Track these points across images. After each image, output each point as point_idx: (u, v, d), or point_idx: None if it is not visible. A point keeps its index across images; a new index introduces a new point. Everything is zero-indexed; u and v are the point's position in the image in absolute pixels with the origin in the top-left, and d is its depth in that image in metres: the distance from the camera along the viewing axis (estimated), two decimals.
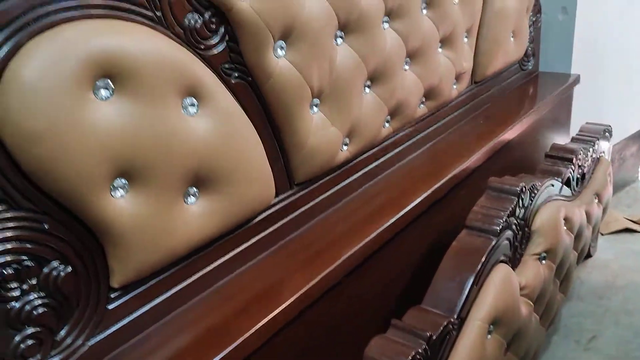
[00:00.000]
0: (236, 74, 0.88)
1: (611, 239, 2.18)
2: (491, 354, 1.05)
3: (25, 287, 0.67)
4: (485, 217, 1.13)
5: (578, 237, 1.49)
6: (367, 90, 1.12)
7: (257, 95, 0.92)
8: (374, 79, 1.12)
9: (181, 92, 0.77)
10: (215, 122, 0.81)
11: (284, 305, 0.87)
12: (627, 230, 2.21)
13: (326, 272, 0.95)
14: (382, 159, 1.24)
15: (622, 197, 2.49)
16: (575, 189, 1.57)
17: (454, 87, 1.42)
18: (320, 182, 1.09)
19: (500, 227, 1.10)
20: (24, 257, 0.66)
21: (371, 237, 1.03)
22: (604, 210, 1.82)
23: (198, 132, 0.79)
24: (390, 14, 1.13)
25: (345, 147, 1.10)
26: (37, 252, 0.67)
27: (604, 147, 1.84)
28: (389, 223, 1.07)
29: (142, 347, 0.79)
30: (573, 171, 1.52)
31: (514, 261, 1.22)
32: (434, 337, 0.92)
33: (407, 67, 1.22)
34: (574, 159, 1.51)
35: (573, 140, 1.75)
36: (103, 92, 0.68)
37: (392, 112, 1.20)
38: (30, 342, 0.68)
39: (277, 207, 1.01)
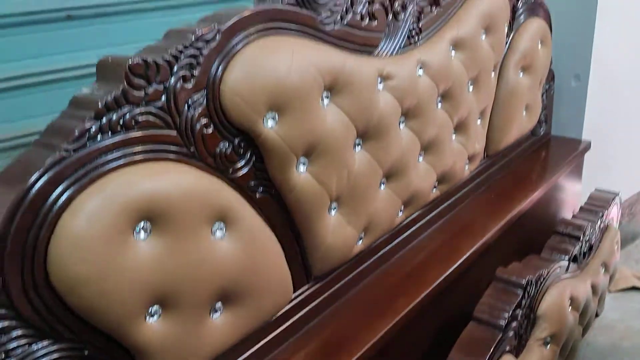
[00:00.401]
0: (261, 189, 0.95)
1: (618, 297, 2.22)
2: None
3: None
4: (492, 310, 1.18)
5: (583, 313, 1.54)
6: (382, 187, 1.18)
7: (280, 204, 0.99)
8: (389, 176, 1.18)
9: (211, 219, 0.84)
10: (241, 243, 0.88)
11: None
12: (635, 288, 2.25)
13: None
14: (394, 242, 1.30)
15: (632, 251, 2.52)
16: (582, 262, 1.62)
17: (466, 167, 1.48)
18: (336, 272, 1.16)
19: (507, 321, 1.16)
20: None
21: (385, 330, 1.09)
22: (612, 276, 1.86)
23: (225, 254, 0.86)
24: (407, 114, 1.19)
25: (360, 241, 1.16)
26: None
27: (613, 213, 1.89)
28: (400, 316, 1.13)
29: None
30: (581, 247, 1.57)
31: (519, 348, 1.27)
32: None
33: (421, 158, 1.28)
34: (582, 236, 1.55)
35: (581, 210, 1.79)
36: (142, 234, 0.75)
37: (406, 202, 1.26)
38: None
39: (295, 301, 1.08)
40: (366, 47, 1.10)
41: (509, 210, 1.54)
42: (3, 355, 0.67)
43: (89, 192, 0.70)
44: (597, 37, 1.89)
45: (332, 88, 0.99)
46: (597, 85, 1.98)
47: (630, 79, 2.13)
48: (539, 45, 1.69)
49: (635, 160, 2.35)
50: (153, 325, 0.79)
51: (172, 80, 0.79)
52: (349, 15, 1.05)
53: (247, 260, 0.89)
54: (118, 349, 0.78)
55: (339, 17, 1.03)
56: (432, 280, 1.23)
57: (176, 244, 0.78)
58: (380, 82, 1.10)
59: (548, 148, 1.95)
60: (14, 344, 0.68)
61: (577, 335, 1.53)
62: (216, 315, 0.88)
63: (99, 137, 0.72)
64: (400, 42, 1.18)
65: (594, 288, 1.65)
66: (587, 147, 1.96)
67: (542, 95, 1.87)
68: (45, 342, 0.71)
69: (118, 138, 0.74)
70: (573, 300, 1.44)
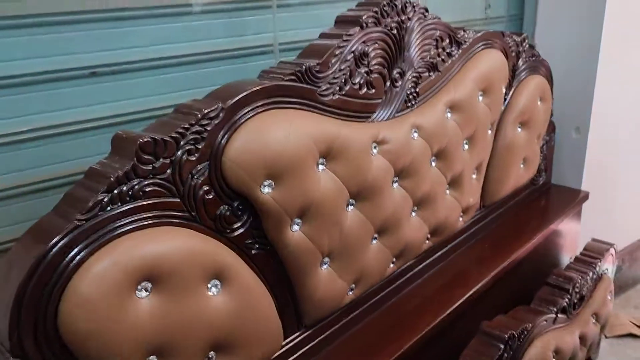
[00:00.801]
0: (257, 246, 1.04)
1: (614, 343, 2.26)
2: None
3: None
4: None
5: None
6: (374, 242, 1.26)
7: (274, 259, 1.08)
8: (381, 232, 1.26)
9: (207, 278, 0.93)
10: (234, 298, 0.97)
11: None
12: (631, 335, 2.28)
13: None
14: (386, 291, 1.38)
15: (632, 297, 2.56)
16: (572, 312, 1.68)
17: (460, 219, 1.55)
18: (327, 320, 1.24)
19: None
20: None
21: None
22: (604, 325, 1.90)
23: (219, 309, 0.94)
24: (400, 174, 1.27)
25: (351, 292, 1.24)
26: None
27: (608, 263, 1.94)
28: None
29: None
30: (570, 299, 1.63)
31: None
32: None
33: (414, 214, 1.36)
34: (571, 289, 1.61)
35: (576, 260, 1.85)
36: (143, 292, 0.84)
37: (397, 255, 1.34)
38: None
39: (286, 347, 1.16)
40: (363, 114, 1.19)
41: (503, 259, 1.60)
42: None
43: (98, 255, 0.80)
44: (597, 92, 1.97)
45: (327, 155, 1.08)
46: (597, 137, 2.04)
47: (629, 132, 2.19)
48: (538, 101, 1.76)
49: (635, 208, 2.40)
50: None
51: (178, 153, 0.88)
52: (347, 86, 1.14)
53: (240, 313, 0.98)
54: None
55: (337, 88, 1.12)
56: (422, 327, 1.31)
57: (174, 301, 0.87)
58: (374, 147, 1.18)
59: (547, 197, 2.01)
60: None
61: None
62: None
63: (109, 207, 0.81)
64: (397, 106, 1.27)
65: (582, 338, 1.70)
66: (585, 197, 2.01)
67: (542, 147, 1.94)
68: None
69: (127, 207, 0.83)
70: (558, 353, 1.50)
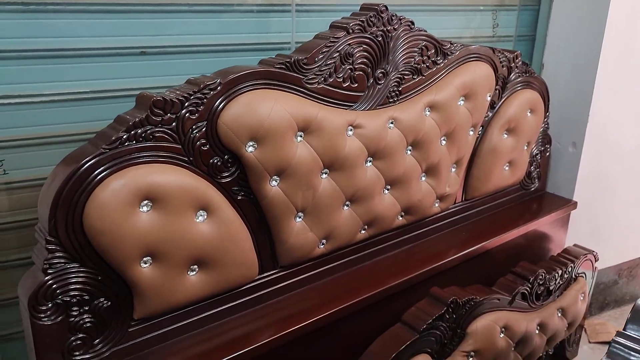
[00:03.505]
0: (242, 193, 1.35)
1: (596, 348, 2.42)
2: None
3: (81, 310, 1.16)
4: (416, 317, 1.51)
5: (521, 343, 1.80)
6: (346, 208, 1.54)
7: (256, 207, 1.38)
8: (353, 200, 1.54)
9: (196, 207, 1.24)
10: (216, 227, 1.28)
11: (252, 347, 1.32)
12: None
13: (289, 330, 1.39)
14: (356, 255, 1.65)
15: (627, 311, 2.68)
16: (535, 303, 1.88)
17: (436, 204, 1.80)
18: (300, 266, 1.52)
19: (424, 326, 1.48)
20: (84, 294, 1.15)
21: (334, 310, 1.46)
22: (571, 324, 2.08)
23: (202, 233, 1.26)
24: (374, 156, 1.54)
25: (322, 245, 1.52)
26: (92, 292, 1.17)
27: (585, 268, 2.11)
28: (348, 304, 1.48)
29: (145, 358, 1.26)
30: (530, 288, 1.83)
31: (442, 353, 1.57)
32: None
33: (386, 191, 1.62)
34: (532, 279, 1.82)
35: (550, 258, 2.05)
36: (144, 208, 1.16)
37: (368, 223, 1.61)
38: (78, 342, 1.17)
39: (262, 280, 1.46)
40: (345, 103, 1.47)
41: (474, 245, 1.84)
42: (48, 266, 1.10)
43: (115, 176, 1.13)
44: (592, 111, 2.15)
45: (305, 129, 1.37)
46: (591, 153, 2.22)
47: (623, 149, 2.34)
48: (528, 113, 1.98)
49: (634, 225, 2.54)
50: (145, 270, 1.20)
51: (183, 112, 1.20)
52: (332, 78, 1.43)
53: (220, 240, 1.29)
54: (121, 281, 1.20)
55: (322, 79, 1.41)
56: (380, 286, 1.58)
57: (167, 219, 1.19)
58: (350, 130, 1.46)
59: (538, 203, 2.21)
60: (55, 261, 1.11)
61: None
62: (192, 274, 1.28)
63: (127, 143, 1.14)
64: (378, 101, 1.54)
65: (543, 327, 1.90)
66: (573, 206, 2.20)
67: (536, 156, 2.14)
68: (75, 265, 1.14)
69: (140, 145, 1.16)
70: (507, 329, 1.72)
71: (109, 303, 1.20)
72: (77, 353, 1.18)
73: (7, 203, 1.47)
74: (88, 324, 1.18)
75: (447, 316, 1.55)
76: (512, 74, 1.92)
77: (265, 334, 1.37)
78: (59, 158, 1.18)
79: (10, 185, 1.47)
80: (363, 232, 1.62)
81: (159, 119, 1.17)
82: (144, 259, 1.19)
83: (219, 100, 1.25)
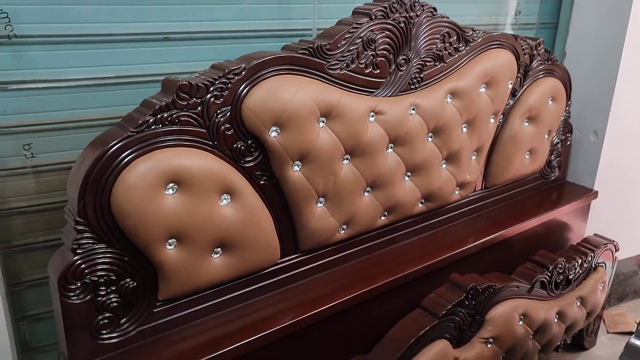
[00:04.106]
0: (265, 178, 1.36)
1: (614, 339, 2.41)
2: None
3: (108, 290, 1.19)
4: (435, 303, 1.52)
5: (540, 331, 1.81)
6: (367, 194, 1.55)
7: (278, 192, 1.39)
8: (374, 186, 1.54)
9: (220, 191, 1.26)
10: (240, 210, 1.30)
11: (273, 329, 1.34)
12: (632, 333, 2.41)
13: (310, 314, 1.41)
14: (376, 241, 1.66)
15: None
16: (554, 291, 1.88)
17: (456, 192, 1.80)
18: (321, 251, 1.54)
19: (443, 312, 1.49)
20: (111, 274, 1.18)
21: (354, 294, 1.48)
22: (590, 313, 2.08)
23: (226, 216, 1.27)
24: (395, 142, 1.54)
25: (342, 231, 1.54)
26: (119, 272, 1.19)
27: (605, 258, 2.11)
28: (367, 289, 1.50)
29: (168, 338, 1.29)
30: (550, 277, 1.83)
31: (461, 339, 1.58)
32: None
33: (407, 178, 1.63)
34: (551, 267, 1.82)
35: (570, 247, 2.05)
36: (170, 191, 1.18)
37: (388, 209, 1.62)
38: (105, 321, 1.20)
39: (284, 264, 1.48)
40: (366, 89, 1.48)
41: (493, 233, 1.84)
42: (77, 246, 1.12)
43: (141, 159, 1.15)
44: (615, 100, 2.13)
45: (327, 115, 1.38)
46: (613, 142, 2.20)
47: None
48: (550, 101, 1.97)
49: None
50: (169, 252, 1.22)
51: (207, 96, 1.22)
52: (354, 64, 1.43)
53: (243, 224, 1.31)
54: (146, 263, 1.22)
55: (345, 65, 1.42)
56: (399, 272, 1.59)
57: (192, 202, 1.21)
58: (372, 116, 1.47)
59: (558, 192, 2.20)
60: (84, 241, 1.13)
61: (531, 348, 1.80)
62: (215, 256, 1.30)
63: (153, 126, 1.16)
64: (400, 87, 1.54)
65: (561, 316, 1.90)
66: (594, 195, 2.19)
67: (557, 145, 2.13)
68: (103, 245, 1.16)
69: (165, 129, 1.17)
70: (526, 317, 1.73)
71: (135, 284, 1.22)
72: (104, 332, 1.21)
73: (35, 186, 1.51)
74: (115, 304, 1.21)
75: (467, 302, 1.56)
76: (534, 62, 1.91)
77: (286, 317, 1.39)
78: (84, 142, 1.20)
79: (37, 168, 1.50)
80: (383, 218, 1.63)
81: (184, 103, 1.19)
82: (169, 240, 1.21)
83: (243, 85, 1.26)
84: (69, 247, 1.14)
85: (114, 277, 1.19)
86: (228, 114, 1.26)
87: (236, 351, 1.29)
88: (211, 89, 1.22)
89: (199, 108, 1.22)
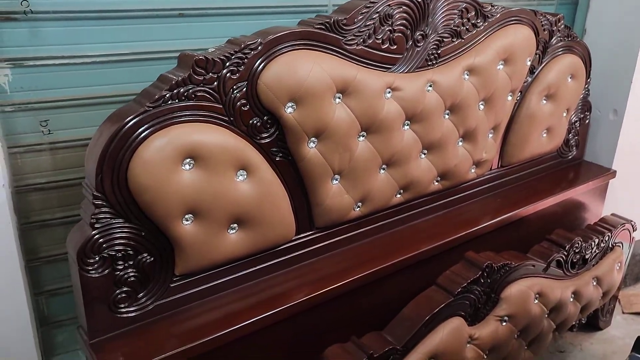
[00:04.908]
0: (280, 154, 1.36)
1: (629, 319, 2.39)
2: None
3: (126, 265, 1.20)
4: (450, 280, 1.51)
5: (555, 310, 1.80)
6: (382, 171, 1.54)
7: (294, 168, 1.39)
8: (389, 164, 1.54)
9: (236, 167, 1.26)
10: (256, 186, 1.29)
11: (288, 305, 1.34)
12: None
13: (324, 290, 1.41)
14: (391, 219, 1.66)
15: None
16: (570, 271, 1.87)
17: (472, 170, 1.79)
18: (336, 229, 1.54)
19: (459, 290, 1.49)
20: (129, 249, 1.19)
21: (369, 271, 1.48)
22: (606, 293, 2.07)
23: (242, 192, 1.27)
24: (412, 119, 1.53)
25: (357, 208, 1.53)
26: (136, 247, 1.20)
27: (622, 238, 2.09)
28: (382, 266, 1.50)
29: (185, 313, 1.30)
30: (566, 256, 1.82)
31: (476, 317, 1.58)
32: (376, 355, 1.34)
33: (423, 156, 1.62)
34: (568, 247, 1.81)
35: (587, 227, 2.03)
36: (187, 166, 1.18)
37: (404, 187, 1.61)
38: (123, 295, 1.21)
39: (299, 241, 1.48)
40: (383, 65, 1.46)
41: (508, 212, 1.83)
42: (95, 221, 1.13)
43: (158, 134, 1.15)
44: (636, 76, 2.09)
45: (344, 91, 1.37)
46: (633, 121, 2.17)
47: None
48: (569, 78, 1.94)
49: None
50: (186, 227, 1.22)
51: (224, 72, 1.21)
52: (371, 40, 1.42)
53: (260, 199, 1.31)
54: (163, 238, 1.23)
55: (361, 40, 1.40)
56: (414, 250, 1.58)
57: (209, 178, 1.21)
58: (388, 92, 1.45)
59: (575, 171, 2.18)
60: (102, 216, 1.14)
61: (546, 327, 1.80)
62: (232, 232, 1.31)
63: (170, 101, 1.15)
64: (417, 63, 1.52)
65: (577, 296, 1.90)
66: (612, 175, 2.16)
67: (575, 123, 2.10)
68: (120, 220, 1.17)
69: (182, 104, 1.17)
70: (541, 296, 1.72)
71: (152, 259, 1.23)
72: (123, 305, 1.22)
73: (52, 162, 1.51)
74: (132, 278, 1.22)
75: (482, 280, 1.55)
76: (553, 38, 1.88)
77: (301, 293, 1.39)
78: (101, 119, 1.20)
79: (54, 145, 1.50)
80: (398, 196, 1.63)
81: (201, 78, 1.18)
82: (186, 216, 1.22)
83: (259, 61, 1.25)
84: (87, 222, 1.15)
85: (131, 252, 1.20)
86: (244, 89, 1.25)
87: (251, 327, 1.30)
88: (227, 64, 1.21)
89: (215, 83, 1.21)
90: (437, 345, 1.45)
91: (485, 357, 1.61)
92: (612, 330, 2.32)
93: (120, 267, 1.20)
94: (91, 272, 1.16)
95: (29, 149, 1.48)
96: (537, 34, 1.79)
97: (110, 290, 1.20)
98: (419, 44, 1.52)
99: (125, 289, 1.21)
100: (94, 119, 1.49)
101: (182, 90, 1.17)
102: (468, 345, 1.55)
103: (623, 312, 2.43)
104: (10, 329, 1.52)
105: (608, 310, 2.29)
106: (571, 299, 1.88)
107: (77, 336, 1.26)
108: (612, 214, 2.12)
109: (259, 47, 1.24)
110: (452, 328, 1.49)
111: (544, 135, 1.97)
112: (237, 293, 1.38)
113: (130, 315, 1.24)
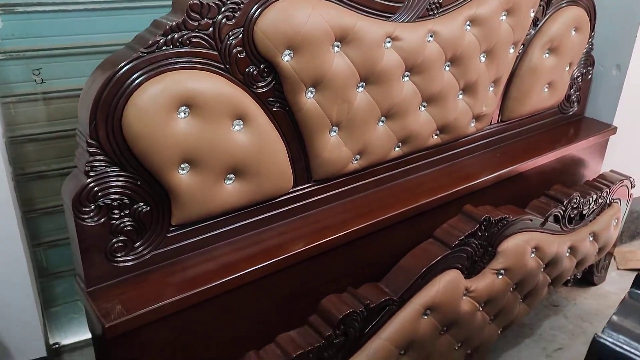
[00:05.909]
0: (277, 105, 1.34)
1: (624, 275, 2.42)
2: (424, 330, 1.46)
3: (122, 214, 1.19)
4: (448, 233, 1.52)
5: (551, 265, 1.81)
6: (381, 123, 1.52)
7: (291, 119, 1.37)
8: (388, 116, 1.51)
9: (232, 116, 1.24)
10: (252, 137, 1.28)
11: (284, 256, 1.35)
12: None
13: (321, 242, 1.41)
14: (390, 172, 1.64)
15: None
16: (568, 226, 1.87)
17: (472, 124, 1.77)
18: (334, 181, 1.53)
19: (456, 242, 1.49)
20: (124, 198, 1.18)
21: (366, 224, 1.48)
22: (602, 248, 2.08)
23: (239, 142, 1.26)
24: (412, 70, 1.50)
25: (355, 161, 1.52)
26: (132, 196, 1.19)
27: (621, 194, 2.08)
28: (380, 218, 1.50)
29: (182, 263, 1.30)
30: (564, 211, 1.82)
31: (472, 270, 1.59)
32: (372, 305, 1.35)
33: (422, 108, 1.60)
34: (566, 202, 1.81)
35: (585, 183, 2.02)
36: (182, 114, 1.16)
37: (403, 140, 1.59)
38: (120, 244, 1.21)
39: (296, 193, 1.47)
40: (383, 13, 1.42)
41: (507, 167, 1.82)
42: (89, 169, 1.12)
43: (152, 81, 1.12)
44: None
45: (342, 40, 1.34)
46: (637, 77, 2.14)
47: None
48: (572, 31, 1.90)
49: None
50: (182, 177, 1.21)
51: (219, 17, 1.18)
52: None
53: (255, 150, 1.29)
54: (159, 187, 1.22)
55: None
56: (412, 203, 1.58)
57: (204, 127, 1.19)
58: (388, 42, 1.42)
59: (576, 127, 2.16)
60: (97, 164, 1.13)
61: (542, 281, 1.81)
62: (228, 182, 1.30)
63: (164, 47, 1.13)
64: (418, 12, 1.49)
65: (573, 250, 1.90)
66: (613, 131, 2.14)
67: (577, 78, 2.08)
68: (115, 169, 1.15)
69: (176, 50, 1.14)
70: (538, 250, 1.73)
71: (148, 208, 1.23)
72: (119, 255, 1.22)
73: (46, 113, 1.50)
74: (128, 227, 1.21)
75: (479, 233, 1.55)
76: None
77: (297, 245, 1.39)
78: None
79: (48, 95, 1.49)
80: (397, 149, 1.61)
81: (195, 23, 1.15)
82: (182, 165, 1.20)
83: (255, 6, 1.22)
84: (82, 170, 1.13)
85: (127, 201, 1.19)
86: (240, 36, 1.22)
87: (248, 276, 1.30)
88: (222, 9, 1.18)
89: (211, 29, 1.18)
90: (433, 297, 1.46)
91: (480, 309, 1.62)
92: (606, 285, 2.34)
93: (116, 216, 1.19)
94: (87, 220, 1.15)
95: (22, 98, 1.46)
96: None
97: (107, 239, 1.19)
98: None
99: (121, 238, 1.21)
100: (88, 69, 1.45)
101: (176, 36, 1.14)
102: (464, 297, 1.56)
103: (618, 269, 2.44)
104: (9, 280, 1.53)
105: (603, 266, 2.31)
106: (567, 254, 1.88)
107: (75, 285, 1.26)
108: (611, 171, 2.11)
109: None
110: (448, 280, 1.49)
111: (546, 90, 1.94)
112: (235, 244, 1.38)
113: (127, 264, 1.24)
